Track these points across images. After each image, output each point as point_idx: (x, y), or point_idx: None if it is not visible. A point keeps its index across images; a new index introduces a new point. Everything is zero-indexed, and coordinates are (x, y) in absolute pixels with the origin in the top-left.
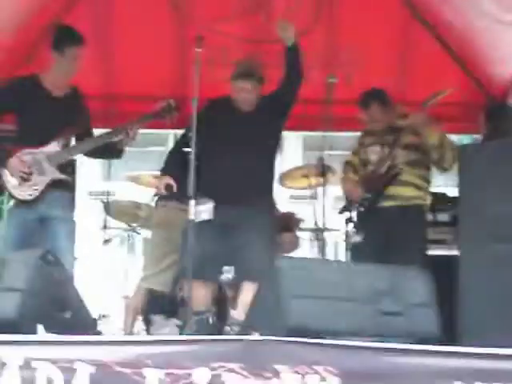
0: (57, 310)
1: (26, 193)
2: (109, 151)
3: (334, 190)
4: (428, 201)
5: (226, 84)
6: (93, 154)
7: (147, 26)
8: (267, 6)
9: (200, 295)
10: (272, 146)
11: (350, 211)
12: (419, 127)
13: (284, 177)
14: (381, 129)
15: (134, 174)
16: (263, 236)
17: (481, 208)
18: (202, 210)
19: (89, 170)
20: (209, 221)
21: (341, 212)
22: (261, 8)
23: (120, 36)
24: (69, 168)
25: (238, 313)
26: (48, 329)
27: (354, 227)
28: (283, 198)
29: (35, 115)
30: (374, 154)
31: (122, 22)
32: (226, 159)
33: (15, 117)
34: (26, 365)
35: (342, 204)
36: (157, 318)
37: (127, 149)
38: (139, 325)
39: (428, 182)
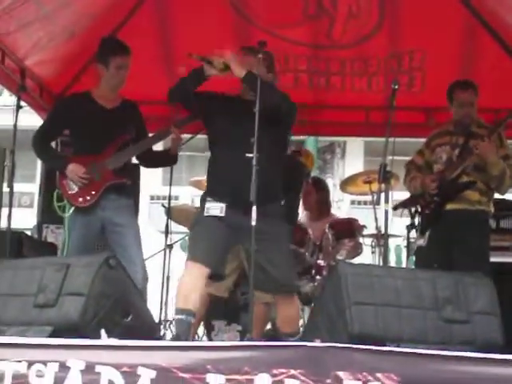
0: (120, 314)
1: (84, 199)
2: (162, 158)
3: (396, 196)
4: (491, 208)
5: (286, 90)
6: (148, 162)
7: (209, 30)
8: (330, 12)
9: (189, 284)
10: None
11: (413, 213)
12: (486, 156)
13: (345, 183)
14: (454, 130)
15: (196, 179)
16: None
17: None
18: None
19: (151, 176)
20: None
21: (395, 208)
22: (324, 14)
23: (182, 40)
24: (125, 173)
25: (289, 327)
26: (110, 333)
27: (418, 230)
28: (345, 204)
29: (88, 129)
30: (445, 153)
31: (183, 25)
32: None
33: (70, 133)
34: (89, 369)
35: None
36: (218, 324)
37: (191, 154)
38: (200, 330)
39: (490, 188)
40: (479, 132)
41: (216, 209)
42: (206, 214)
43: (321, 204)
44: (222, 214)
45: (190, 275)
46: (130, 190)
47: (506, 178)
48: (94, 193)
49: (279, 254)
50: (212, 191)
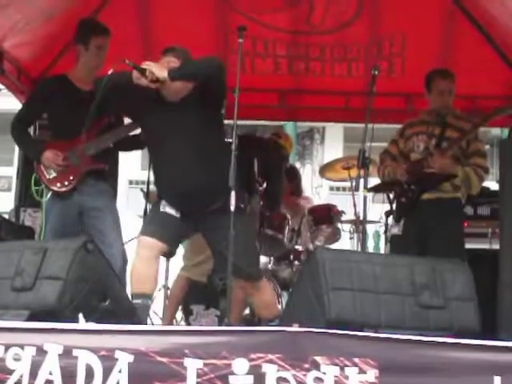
0: (97, 298)
1: (62, 185)
2: (133, 142)
3: (375, 182)
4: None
5: (266, 76)
6: (120, 145)
7: (189, 15)
8: None
9: (142, 267)
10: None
11: (391, 199)
12: (442, 172)
13: (324, 168)
14: (430, 120)
15: None
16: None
17: None
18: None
19: (129, 160)
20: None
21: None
22: (304, 0)
23: (161, 24)
24: (104, 157)
25: (266, 312)
26: (88, 317)
27: (393, 219)
28: (323, 190)
29: (64, 112)
30: (422, 142)
31: (163, 9)
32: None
33: (47, 117)
34: (66, 353)
35: (381, 196)
36: (196, 308)
37: None
38: (179, 314)
39: None
40: (455, 123)
41: (172, 209)
42: (162, 210)
43: (294, 193)
44: (178, 216)
45: (141, 258)
46: (108, 175)
47: (472, 181)
48: (71, 178)
49: (237, 242)
50: (164, 198)
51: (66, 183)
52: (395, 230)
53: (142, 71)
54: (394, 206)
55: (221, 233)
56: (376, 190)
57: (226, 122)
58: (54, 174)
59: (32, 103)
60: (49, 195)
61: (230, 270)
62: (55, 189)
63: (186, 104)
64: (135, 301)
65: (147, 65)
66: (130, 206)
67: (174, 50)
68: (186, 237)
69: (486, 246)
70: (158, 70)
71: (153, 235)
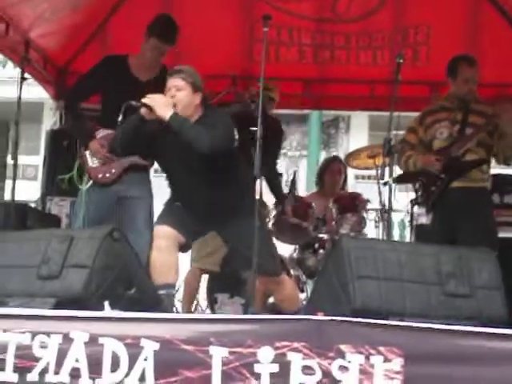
0: (123, 287)
1: (104, 175)
2: None
3: (400, 171)
4: (489, 184)
5: (291, 64)
6: None
7: (214, 5)
8: None
9: (161, 258)
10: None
11: (417, 188)
12: (505, 125)
13: (350, 157)
14: (452, 106)
15: None
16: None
17: None
18: None
19: None
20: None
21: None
22: None
23: (187, 14)
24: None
25: (286, 306)
26: (114, 305)
27: (424, 208)
28: (349, 178)
29: (118, 98)
30: (445, 129)
31: (187, 0)
32: None
33: (102, 96)
34: (92, 341)
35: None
36: (221, 297)
37: None
38: (204, 303)
39: (489, 165)
40: (478, 108)
41: None
42: (177, 203)
43: (342, 187)
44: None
45: (159, 248)
46: (147, 166)
47: None
48: (114, 171)
49: (251, 241)
50: None
51: (108, 175)
52: (424, 220)
53: (148, 106)
54: (421, 195)
55: (237, 230)
56: (402, 179)
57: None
58: (97, 164)
59: (90, 78)
60: (89, 184)
61: (254, 263)
62: (97, 179)
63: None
64: (159, 291)
65: (152, 99)
66: (156, 194)
67: (181, 71)
68: (202, 233)
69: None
70: (161, 109)
71: (169, 225)
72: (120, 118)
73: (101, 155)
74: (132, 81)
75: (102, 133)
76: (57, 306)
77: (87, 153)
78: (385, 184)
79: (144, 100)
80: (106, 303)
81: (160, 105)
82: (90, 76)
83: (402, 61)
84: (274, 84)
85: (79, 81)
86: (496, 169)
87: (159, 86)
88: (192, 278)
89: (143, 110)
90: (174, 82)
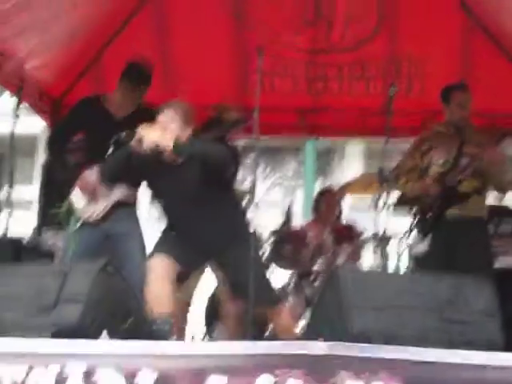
0: (118, 320)
1: (93, 214)
2: None
3: (397, 197)
4: (485, 213)
5: (285, 95)
6: None
7: (208, 37)
8: (328, 16)
9: (157, 289)
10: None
11: (413, 215)
12: (494, 164)
13: (345, 186)
14: (448, 132)
15: None
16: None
17: None
18: None
19: None
20: None
21: (396, 205)
22: (322, 19)
23: (180, 45)
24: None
25: (286, 336)
26: (110, 338)
27: (419, 235)
28: (344, 207)
29: (98, 137)
30: (441, 156)
31: (182, 30)
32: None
33: (84, 136)
34: (89, 372)
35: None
36: (219, 324)
37: None
38: (201, 331)
39: (485, 193)
40: (473, 136)
41: None
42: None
43: (338, 216)
44: None
45: (155, 278)
46: (135, 201)
47: None
48: (103, 208)
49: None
50: None
51: (97, 212)
52: (420, 247)
53: (139, 139)
54: (417, 222)
55: (233, 259)
56: (397, 206)
57: (246, 140)
58: (85, 203)
59: (69, 121)
60: (78, 224)
61: (252, 291)
62: (87, 217)
63: (190, 160)
64: (156, 322)
65: (145, 131)
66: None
67: (170, 106)
68: (197, 264)
69: (507, 264)
70: (164, 137)
71: (165, 255)
72: (110, 150)
73: (87, 194)
74: (109, 119)
75: (88, 172)
76: None
77: (74, 193)
78: (382, 209)
79: (138, 134)
80: (104, 333)
81: (157, 135)
82: (68, 120)
83: (395, 91)
84: (226, 106)
85: (58, 126)
86: (493, 198)
87: (136, 123)
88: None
89: (134, 142)
90: (164, 117)
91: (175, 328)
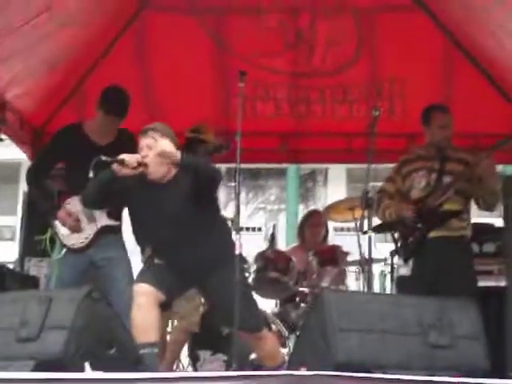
0: (103, 347)
1: (77, 241)
2: None
3: (379, 222)
4: (469, 232)
5: (267, 119)
6: None
7: (189, 62)
8: (309, 40)
9: (143, 316)
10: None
11: (396, 239)
12: (483, 173)
13: (328, 210)
14: (428, 154)
15: None
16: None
17: None
18: None
19: None
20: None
21: (374, 231)
22: (302, 42)
23: (162, 72)
24: (117, 214)
25: (269, 361)
26: (94, 366)
27: (402, 259)
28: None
29: (79, 165)
30: (423, 178)
31: (163, 58)
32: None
33: (65, 165)
34: None
35: (385, 236)
36: (203, 354)
37: None
38: (186, 361)
39: (469, 212)
40: (455, 155)
41: None
42: (156, 261)
43: (323, 239)
44: None
45: (140, 306)
46: (119, 228)
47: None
48: (86, 236)
49: (232, 297)
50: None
51: (81, 240)
52: (404, 271)
53: (122, 162)
54: (400, 245)
55: (218, 285)
56: (380, 230)
57: (228, 165)
58: (68, 231)
59: (48, 152)
60: (63, 252)
61: (236, 319)
62: (70, 245)
63: (175, 183)
64: (141, 350)
65: (128, 157)
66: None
67: (154, 129)
68: (182, 290)
69: (492, 284)
70: (170, 151)
71: (149, 283)
72: (91, 174)
73: (69, 225)
74: (91, 146)
75: (71, 201)
76: (36, 369)
77: (57, 221)
78: (364, 233)
79: (120, 157)
80: (87, 364)
81: (166, 149)
82: (49, 149)
83: (377, 114)
84: (205, 127)
85: (40, 155)
86: (476, 218)
87: (118, 150)
88: (177, 338)
89: (115, 166)
90: (146, 141)
91: (170, 354)
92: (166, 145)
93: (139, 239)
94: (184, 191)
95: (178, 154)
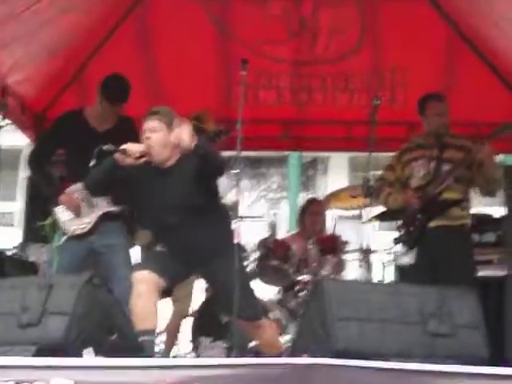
0: (104, 333)
1: (78, 227)
2: None
3: (381, 211)
4: (470, 221)
5: (269, 107)
6: None
7: (192, 49)
8: (312, 28)
9: (142, 304)
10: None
11: (398, 227)
12: (485, 159)
13: (330, 198)
14: (427, 143)
15: None
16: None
17: None
18: None
19: None
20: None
21: (375, 219)
22: (306, 31)
23: (164, 58)
24: (118, 201)
25: (269, 350)
26: (95, 352)
27: (405, 247)
28: (329, 219)
29: (79, 151)
30: (422, 167)
31: (165, 44)
32: None
33: (65, 151)
34: None
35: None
36: (205, 340)
37: None
38: (187, 347)
39: (469, 201)
40: (453, 142)
41: None
42: (158, 249)
43: (322, 227)
44: None
45: (139, 293)
46: (122, 215)
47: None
48: (88, 221)
49: (232, 285)
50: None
51: (82, 226)
52: (406, 259)
53: (124, 151)
54: (401, 235)
55: (218, 273)
56: (381, 218)
57: (229, 153)
58: (70, 217)
59: (49, 137)
60: (64, 238)
61: (235, 307)
62: (71, 231)
63: (178, 168)
64: (140, 337)
65: (131, 147)
66: None
67: (155, 113)
68: (182, 277)
69: (491, 274)
70: (187, 136)
71: (149, 269)
72: (92, 162)
73: (72, 207)
74: (91, 132)
75: (72, 187)
76: (37, 354)
77: (59, 207)
78: (368, 221)
79: (122, 147)
80: (90, 349)
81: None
82: (50, 135)
83: (378, 103)
84: (206, 116)
85: (40, 140)
86: (476, 207)
87: (118, 136)
88: (173, 319)
89: (118, 156)
90: (149, 124)
91: (168, 340)
92: (184, 133)
93: (142, 225)
94: (187, 176)
95: (192, 144)
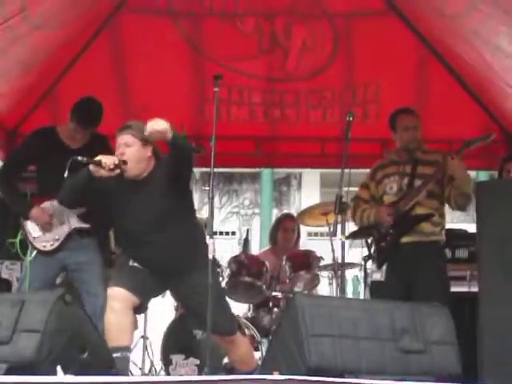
0: (76, 350)
1: (48, 243)
2: None
3: (353, 227)
4: (443, 237)
5: (242, 123)
6: None
7: (165, 65)
8: (284, 44)
9: (116, 321)
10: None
11: (369, 244)
12: (455, 172)
13: (302, 214)
14: (400, 159)
15: None
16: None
17: (500, 245)
18: None
19: None
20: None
21: (346, 238)
22: (278, 47)
23: (137, 75)
24: (89, 217)
25: (243, 366)
26: (66, 370)
27: (375, 264)
28: (302, 236)
29: (52, 167)
30: (394, 183)
31: (138, 61)
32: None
33: (37, 168)
34: None
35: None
36: (176, 358)
37: None
38: (158, 364)
39: (443, 216)
40: (425, 157)
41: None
42: (130, 264)
43: (295, 244)
44: (147, 270)
45: (114, 310)
46: (94, 232)
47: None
48: (57, 237)
49: (206, 300)
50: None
51: (51, 242)
52: (377, 276)
53: (99, 163)
54: (373, 250)
55: (191, 287)
56: (354, 235)
57: (203, 169)
58: (39, 233)
59: (20, 154)
60: (33, 254)
61: (209, 322)
62: (40, 248)
63: (151, 180)
64: (114, 354)
65: (104, 159)
66: None
67: (130, 127)
68: (156, 292)
69: (464, 289)
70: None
71: (123, 286)
72: (66, 173)
73: (42, 223)
74: (64, 149)
75: (44, 204)
76: (8, 372)
77: (28, 223)
78: (339, 237)
79: (97, 158)
80: (59, 368)
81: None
82: (22, 150)
83: (351, 118)
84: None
85: (11, 156)
86: (449, 223)
87: (91, 153)
88: None
89: (92, 167)
90: (123, 139)
91: None
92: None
93: (116, 238)
94: (160, 187)
95: (170, 134)
